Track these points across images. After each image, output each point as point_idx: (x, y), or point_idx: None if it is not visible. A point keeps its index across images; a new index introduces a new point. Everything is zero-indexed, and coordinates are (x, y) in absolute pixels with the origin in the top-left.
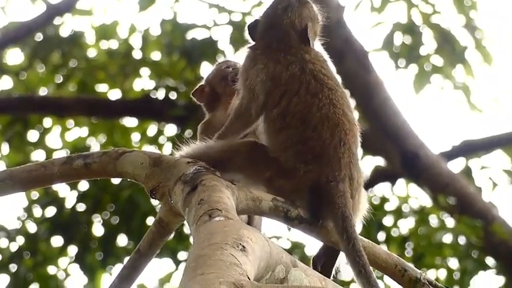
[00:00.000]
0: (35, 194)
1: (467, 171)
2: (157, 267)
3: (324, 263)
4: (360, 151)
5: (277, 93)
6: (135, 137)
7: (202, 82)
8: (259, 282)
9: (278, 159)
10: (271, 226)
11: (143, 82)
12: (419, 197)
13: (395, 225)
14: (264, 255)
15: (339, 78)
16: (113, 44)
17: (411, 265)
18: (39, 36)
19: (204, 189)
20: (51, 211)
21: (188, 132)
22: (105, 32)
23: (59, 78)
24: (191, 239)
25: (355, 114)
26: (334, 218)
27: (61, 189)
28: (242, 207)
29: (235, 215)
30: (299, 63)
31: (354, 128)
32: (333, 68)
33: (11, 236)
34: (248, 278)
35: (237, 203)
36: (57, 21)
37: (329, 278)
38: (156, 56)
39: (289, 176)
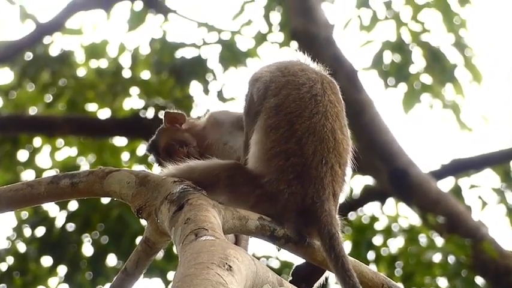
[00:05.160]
0: (24, 214)
1: (456, 190)
2: (146, 287)
3: (305, 277)
4: (348, 169)
5: (280, 81)
6: (125, 156)
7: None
8: None
9: (262, 183)
10: (260, 245)
11: (132, 101)
12: (408, 216)
13: (384, 244)
14: (250, 274)
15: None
16: (103, 63)
17: (398, 284)
18: (28, 55)
19: (190, 208)
20: (40, 231)
21: None
22: (94, 51)
23: (49, 97)
24: None
25: (347, 135)
26: (321, 237)
27: (51, 208)
28: (228, 226)
29: (221, 234)
30: (312, 69)
31: (339, 147)
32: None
33: (0, 256)
34: None
35: (223, 222)
36: (46, 40)
37: None
38: (145, 75)
39: (273, 200)
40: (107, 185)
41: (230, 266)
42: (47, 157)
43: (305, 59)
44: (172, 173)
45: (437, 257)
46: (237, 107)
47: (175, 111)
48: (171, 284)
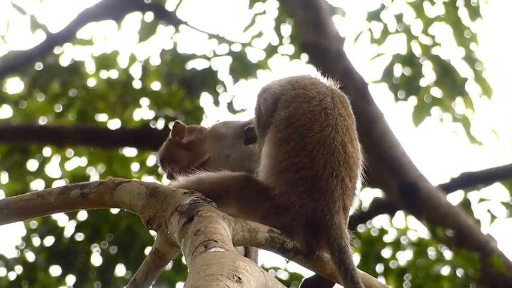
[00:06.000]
0: (33, 223)
1: (466, 204)
2: None
3: None
4: (358, 183)
5: (290, 94)
6: (135, 167)
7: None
8: None
9: (272, 195)
10: (269, 257)
11: (143, 112)
12: (417, 229)
13: (393, 257)
14: (260, 286)
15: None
16: (113, 74)
17: None
18: (39, 65)
19: (200, 220)
20: (49, 240)
21: None
22: (105, 61)
23: (59, 107)
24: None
25: (357, 148)
26: (331, 250)
27: (60, 218)
28: (238, 238)
29: (231, 246)
30: (322, 83)
31: (349, 160)
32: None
33: (9, 265)
34: None
35: (233, 234)
36: (57, 50)
37: None
38: (155, 86)
39: (283, 213)
40: (117, 196)
41: (240, 278)
42: (57, 167)
43: (315, 73)
44: (182, 185)
45: (445, 270)
46: (246, 117)
47: (181, 123)
48: None
